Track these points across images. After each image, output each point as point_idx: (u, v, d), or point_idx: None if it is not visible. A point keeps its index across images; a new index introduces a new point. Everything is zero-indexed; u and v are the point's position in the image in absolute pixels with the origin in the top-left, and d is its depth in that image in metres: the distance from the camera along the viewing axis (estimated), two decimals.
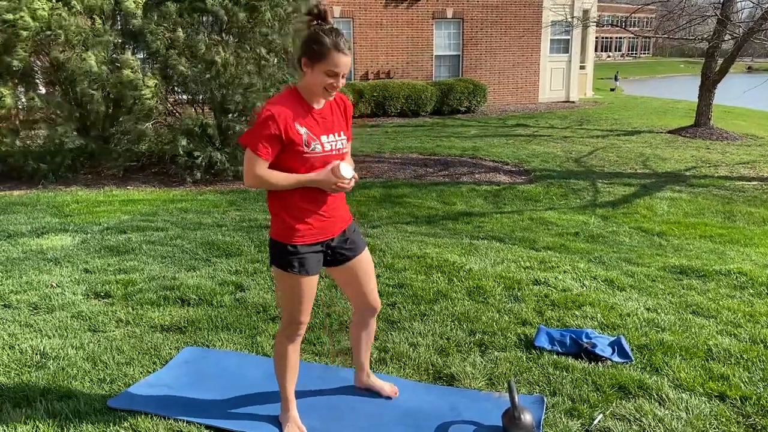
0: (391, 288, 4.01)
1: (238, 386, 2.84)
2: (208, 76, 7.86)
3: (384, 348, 3.19)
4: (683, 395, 2.76)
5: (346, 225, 2.49)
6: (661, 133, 13.40)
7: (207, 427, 2.53)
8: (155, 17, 7.78)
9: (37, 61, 7.89)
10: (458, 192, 8.15)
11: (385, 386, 2.80)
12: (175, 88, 8.69)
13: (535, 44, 17.27)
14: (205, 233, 5.39)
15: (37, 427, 2.49)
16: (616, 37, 68.55)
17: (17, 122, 7.94)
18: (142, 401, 2.68)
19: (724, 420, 2.59)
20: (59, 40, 7.50)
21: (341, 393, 2.81)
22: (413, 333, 3.38)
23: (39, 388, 2.77)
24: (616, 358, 3.08)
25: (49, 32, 7.46)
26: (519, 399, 2.50)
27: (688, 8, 14.84)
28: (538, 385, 2.86)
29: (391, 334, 3.36)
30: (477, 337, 3.32)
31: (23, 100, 7.73)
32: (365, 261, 2.55)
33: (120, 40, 8.28)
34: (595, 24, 17.98)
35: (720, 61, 13.38)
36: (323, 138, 2.29)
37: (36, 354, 3.12)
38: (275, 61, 8.34)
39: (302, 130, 2.24)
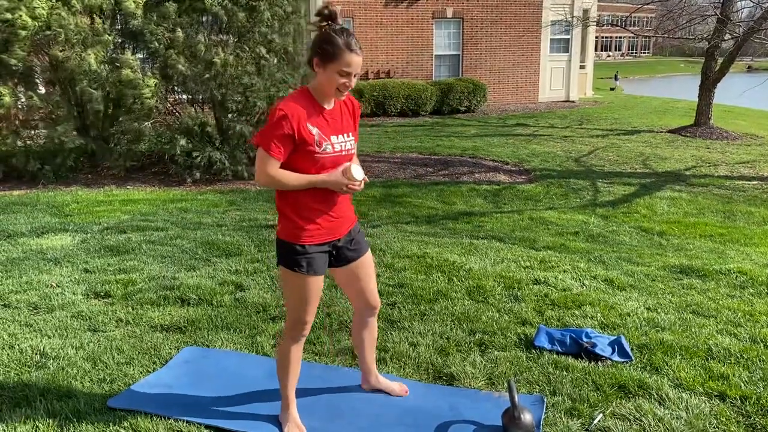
0: (391, 288, 4.01)
1: (238, 386, 2.84)
2: (207, 76, 7.87)
3: (384, 347, 3.19)
4: (683, 395, 2.75)
5: (352, 226, 2.50)
6: (661, 132, 13.39)
7: (207, 426, 2.53)
8: (154, 17, 7.78)
9: (36, 61, 7.88)
10: (458, 191, 8.14)
11: (395, 386, 2.79)
12: (175, 88, 8.69)
13: (535, 44, 17.26)
14: (204, 233, 5.39)
15: (37, 426, 2.49)
16: (616, 37, 68.55)
17: (17, 122, 7.93)
18: (141, 401, 2.68)
19: (724, 419, 2.58)
20: (59, 39, 7.50)
21: (341, 393, 2.81)
22: (413, 333, 3.38)
23: (39, 388, 2.77)
24: (616, 358, 3.08)
25: (48, 32, 7.46)
26: (519, 398, 2.50)
27: (688, 8, 14.86)
28: (538, 385, 2.86)
29: (391, 334, 3.36)
30: (477, 337, 3.32)
31: (23, 99, 7.72)
32: (368, 261, 2.56)
33: (120, 40, 8.29)
34: (595, 23, 17.98)
35: (720, 60, 13.37)
36: (333, 138, 2.31)
37: (36, 354, 3.12)
38: (275, 60, 8.34)
39: (314, 130, 2.25)
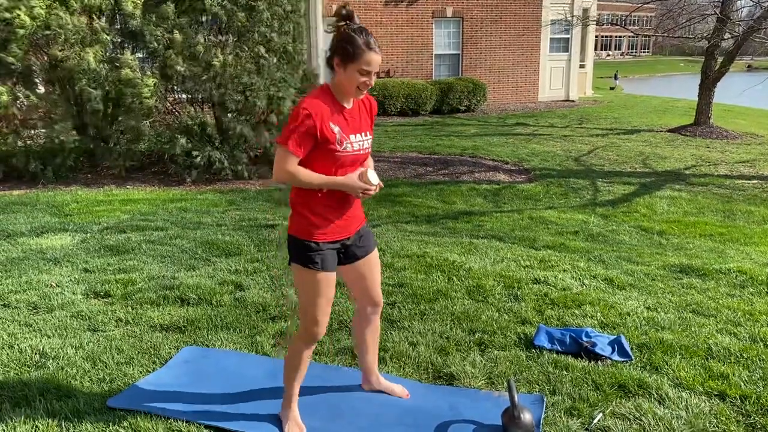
0: (390, 287, 4.01)
1: (237, 386, 2.84)
2: (205, 77, 7.86)
3: (384, 347, 3.19)
4: (683, 394, 2.75)
5: (361, 224, 2.52)
6: (661, 131, 13.39)
7: (207, 426, 2.52)
8: (153, 18, 7.77)
9: (35, 60, 7.87)
10: (458, 191, 8.14)
11: (396, 388, 2.79)
12: (175, 87, 8.68)
13: (535, 43, 17.25)
14: (204, 232, 5.39)
15: (37, 426, 2.49)
16: (616, 36, 68.51)
17: (16, 122, 7.92)
18: (141, 401, 2.68)
19: (723, 419, 2.58)
20: (59, 39, 7.49)
21: (341, 392, 2.81)
22: (413, 332, 3.37)
23: (38, 388, 2.77)
24: (615, 357, 3.08)
25: (48, 32, 7.45)
26: (519, 398, 2.50)
27: (687, 7, 14.85)
28: (538, 384, 2.86)
29: (391, 333, 3.36)
30: (477, 336, 3.32)
31: (21, 98, 7.71)
32: (374, 259, 2.59)
33: (119, 40, 8.28)
34: (594, 23, 17.98)
35: (720, 59, 13.37)
36: (352, 137, 2.33)
37: (35, 353, 3.12)
38: (274, 60, 8.33)
39: (336, 129, 2.27)
